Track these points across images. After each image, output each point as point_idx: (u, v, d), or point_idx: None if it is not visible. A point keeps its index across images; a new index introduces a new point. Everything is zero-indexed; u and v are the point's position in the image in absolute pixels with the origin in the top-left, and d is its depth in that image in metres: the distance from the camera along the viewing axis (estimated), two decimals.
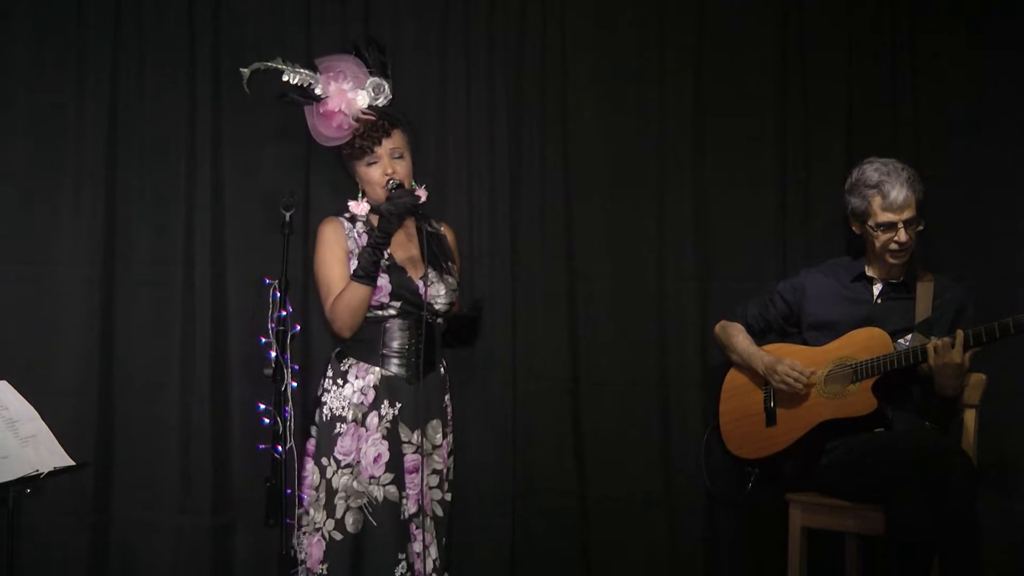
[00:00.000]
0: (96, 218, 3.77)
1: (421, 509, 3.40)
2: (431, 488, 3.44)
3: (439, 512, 3.48)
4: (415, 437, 3.42)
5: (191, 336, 3.78)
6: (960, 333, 3.26)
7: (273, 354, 3.04)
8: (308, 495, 3.38)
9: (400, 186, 3.41)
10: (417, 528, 3.40)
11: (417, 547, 3.39)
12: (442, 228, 3.63)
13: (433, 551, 3.43)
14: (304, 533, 3.35)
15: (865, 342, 3.48)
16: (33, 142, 3.76)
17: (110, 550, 3.76)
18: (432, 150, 3.94)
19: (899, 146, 3.99)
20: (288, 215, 3.18)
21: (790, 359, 3.56)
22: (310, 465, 3.39)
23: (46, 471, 3.11)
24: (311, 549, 3.35)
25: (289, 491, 3.23)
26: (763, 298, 3.76)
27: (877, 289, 3.60)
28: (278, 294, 3.09)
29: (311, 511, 3.38)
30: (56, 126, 3.76)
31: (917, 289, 3.55)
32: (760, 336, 3.74)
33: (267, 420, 3.26)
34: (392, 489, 3.37)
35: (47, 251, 3.76)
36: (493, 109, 3.98)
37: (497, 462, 3.93)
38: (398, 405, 3.41)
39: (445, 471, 3.51)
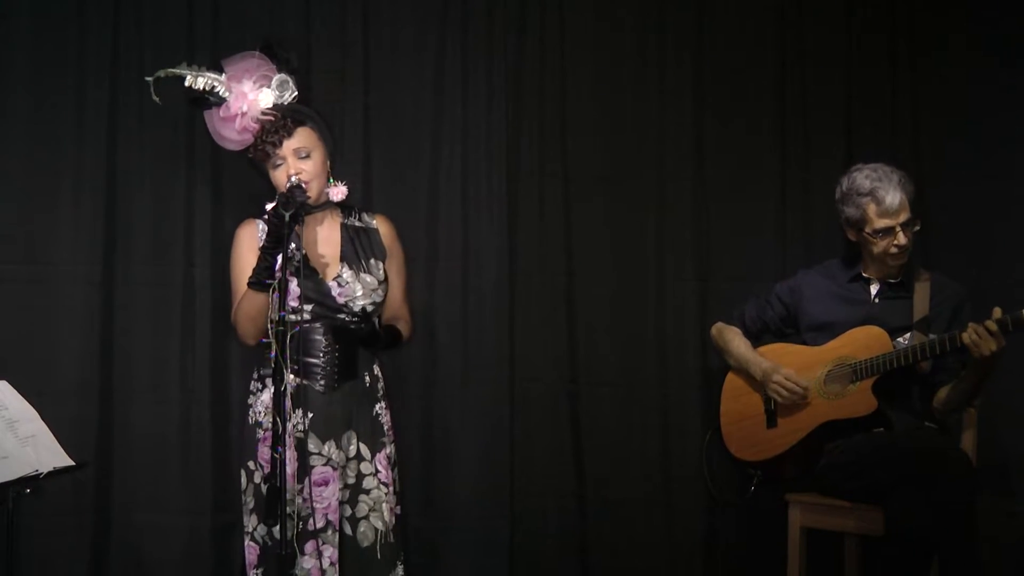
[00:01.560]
0: (96, 218, 3.77)
1: (329, 524, 3.28)
2: (342, 503, 3.31)
3: (347, 528, 3.33)
4: (326, 449, 3.30)
5: (191, 336, 3.78)
6: (998, 311, 3.20)
7: (273, 354, 3.03)
8: (242, 499, 3.34)
9: (298, 186, 3.23)
10: (324, 544, 3.26)
11: (320, 563, 3.24)
12: (374, 221, 3.50)
13: (400, 572, 3.36)
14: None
15: (864, 341, 3.48)
16: (33, 142, 3.76)
17: (110, 550, 3.76)
18: (429, 150, 3.94)
19: (899, 146, 4.00)
20: (287, 215, 3.17)
21: (787, 369, 3.55)
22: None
23: (46, 471, 3.11)
24: (246, 554, 3.31)
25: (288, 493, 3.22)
26: (760, 300, 3.75)
27: (875, 289, 3.60)
28: (278, 294, 3.08)
29: (243, 516, 3.34)
30: (56, 126, 3.77)
31: (915, 288, 3.55)
32: (757, 338, 3.74)
33: (263, 421, 3.27)
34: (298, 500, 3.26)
35: (47, 251, 3.76)
36: (491, 108, 3.97)
37: (496, 463, 3.93)
38: (310, 415, 3.29)
39: (392, 484, 3.40)
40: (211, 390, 3.78)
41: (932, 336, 3.37)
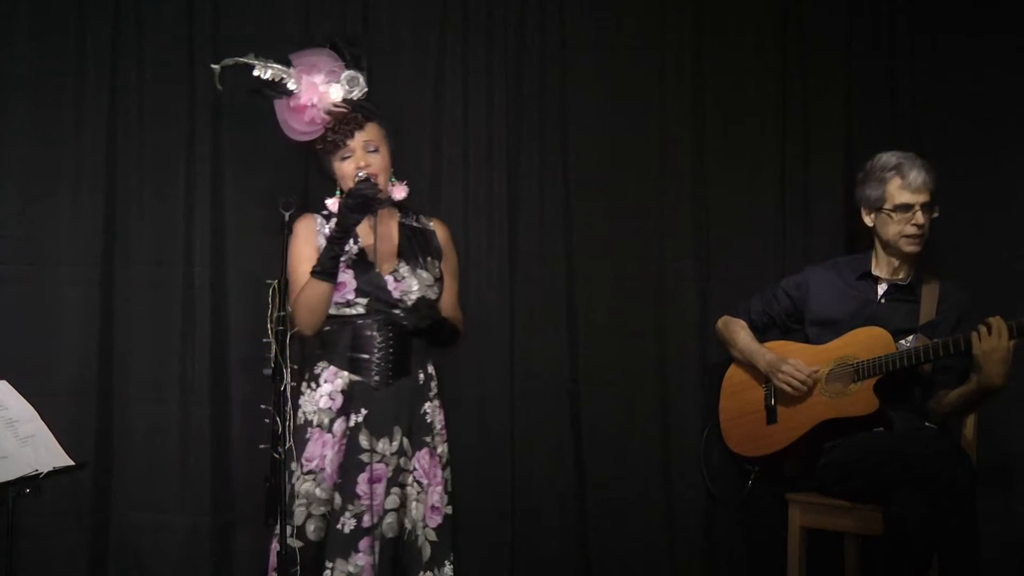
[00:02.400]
0: (96, 218, 3.77)
1: (382, 519, 3.30)
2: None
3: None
4: (380, 446, 3.32)
5: (191, 336, 3.78)
6: (999, 319, 3.22)
7: (273, 354, 3.03)
8: None
9: (367, 179, 3.32)
10: (376, 540, 3.29)
11: (373, 559, 3.26)
12: (431, 224, 3.57)
13: (449, 571, 3.37)
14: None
15: (867, 341, 3.47)
16: (33, 142, 3.76)
17: (110, 550, 3.76)
18: (429, 150, 3.94)
19: (899, 146, 3.98)
20: (287, 215, 3.17)
21: (794, 359, 3.56)
22: None
23: (45, 471, 3.11)
24: (271, 556, 3.31)
25: (299, 495, 3.23)
26: (766, 294, 3.75)
27: (881, 289, 3.60)
28: (278, 294, 3.08)
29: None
30: (56, 126, 3.77)
31: (922, 291, 3.54)
32: (762, 332, 3.74)
33: (268, 420, 3.27)
34: (337, 497, 3.28)
35: (47, 251, 3.76)
36: (491, 108, 3.98)
37: (496, 462, 3.93)
38: (363, 412, 3.32)
39: (442, 484, 3.43)
40: (211, 390, 3.78)
41: (936, 340, 3.37)
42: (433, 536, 3.39)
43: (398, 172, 3.66)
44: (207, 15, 3.83)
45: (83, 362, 3.74)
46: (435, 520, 3.41)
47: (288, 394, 3.13)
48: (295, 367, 3.28)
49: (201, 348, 3.78)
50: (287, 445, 3.10)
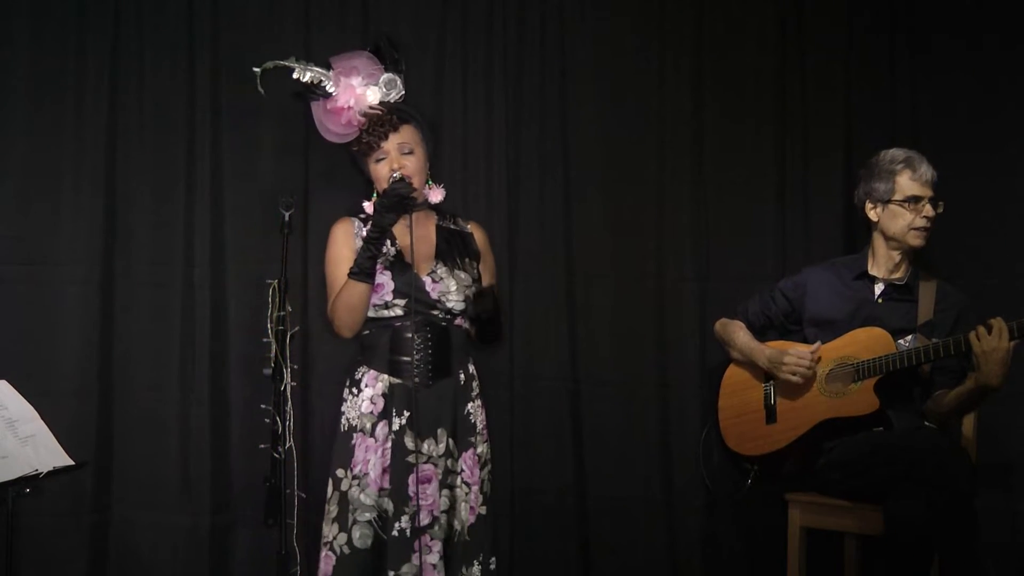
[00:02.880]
0: (96, 218, 3.77)
1: (435, 519, 3.31)
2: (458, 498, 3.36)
3: (455, 524, 3.36)
4: (426, 447, 3.34)
5: (191, 336, 3.78)
6: (1000, 320, 3.22)
7: (273, 354, 3.03)
8: (325, 508, 3.34)
9: (402, 180, 3.33)
10: (432, 540, 3.29)
11: (431, 558, 3.27)
12: (469, 227, 3.59)
13: (477, 571, 3.38)
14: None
15: (867, 342, 3.48)
16: (33, 142, 3.76)
17: (109, 550, 3.76)
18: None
19: (898, 146, 3.99)
20: (287, 215, 3.18)
21: (794, 348, 3.56)
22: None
23: (45, 471, 3.12)
24: (321, 564, 3.31)
25: (288, 491, 3.22)
26: (764, 295, 3.76)
27: (879, 289, 3.60)
28: (278, 294, 3.08)
29: (323, 525, 3.33)
30: (56, 126, 3.77)
31: (920, 291, 3.55)
32: (760, 333, 3.74)
33: (268, 420, 3.27)
34: (387, 502, 3.30)
35: (47, 251, 3.76)
36: (491, 108, 3.98)
37: (496, 462, 3.92)
38: (406, 414, 3.33)
39: (479, 484, 3.43)
40: (211, 390, 3.78)
41: (935, 340, 3.38)
42: (466, 536, 3.40)
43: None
44: (207, 15, 3.83)
45: (83, 362, 3.74)
46: (471, 520, 3.42)
47: (288, 394, 3.14)
48: (295, 367, 3.29)
49: (201, 348, 3.78)
50: (287, 445, 3.10)
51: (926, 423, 3.51)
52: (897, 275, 3.59)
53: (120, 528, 3.77)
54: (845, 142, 4.06)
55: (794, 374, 3.52)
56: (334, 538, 3.31)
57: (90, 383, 3.74)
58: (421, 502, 3.29)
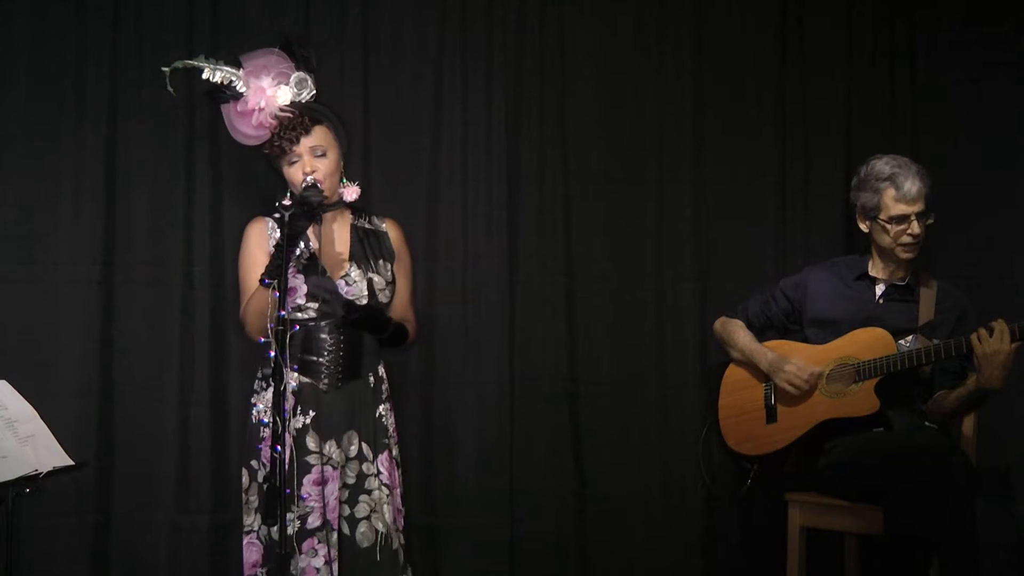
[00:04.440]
0: (96, 218, 3.77)
1: (327, 523, 3.27)
2: (342, 503, 3.31)
3: (345, 529, 3.31)
4: (326, 448, 3.30)
5: (190, 336, 3.78)
6: (1002, 322, 3.22)
7: (272, 354, 3.03)
8: (243, 498, 3.34)
9: (313, 186, 3.25)
10: (320, 543, 3.25)
11: (316, 562, 3.24)
12: (384, 225, 3.53)
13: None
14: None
15: (868, 342, 3.47)
16: (33, 142, 3.76)
17: (110, 550, 3.76)
18: (429, 150, 3.94)
19: (898, 146, 3.98)
20: (287, 215, 3.17)
21: (797, 359, 3.56)
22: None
23: (45, 471, 3.11)
24: (245, 553, 3.32)
25: (288, 491, 3.22)
26: (765, 295, 3.75)
27: (880, 289, 3.60)
28: (277, 294, 3.08)
29: (243, 515, 3.33)
30: (56, 126, 3.77)
31: (920, 292, 3.55)
32: (760, 333, 3.74)
33: (266, 420, 3.27)
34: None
35: (47, 251, 3.76)
36: (491, 108, 3.98)
37: (496, 462, 3.93)
38: (311, 414, 3.31)
39: (400, 486, 3.41)
40: (210, 390, 3.78)
41: (936, 341, 3.37)
42: (402, 540, 3.39)
43: (399, 173, 3.68)
44: (207, 15, 3.83)
45: (83, 362, 3.74)
46: (401, 523, 3.41)
47: (287, 394, 3.14)
48: (295, 367, 3.29)
49: (200, 348, 3.78)
50: (287, 444, 3.10)
51: (926, 423, 3.51)
52: (898, 276, 3.58)
53: (120, 528, 3.76)
54: (845, 142, 4.06)
55: (791, 384, 3.52)
56: (258, 527, 3.31)
57: (90, 383, 3.74)
58: (314, 504, 3.25)
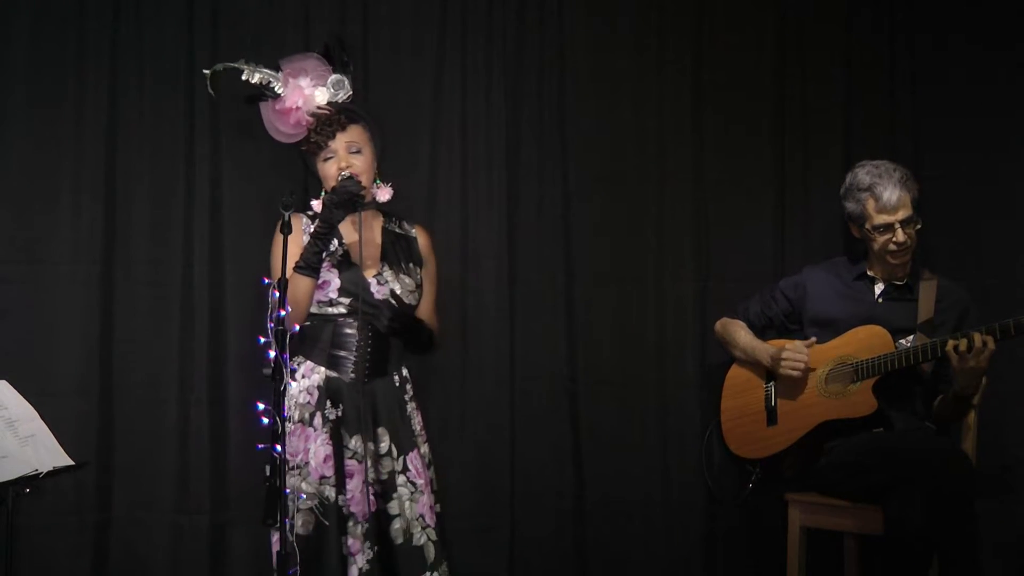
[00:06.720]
0: (96, 218, 3.77)
1: (351, 515, 3.33)
2: (377, 496, 3.35)
3: (382, 524, 3.35)
4: (352, 443, 3.36)
5: (190, 336, 3.78)
6: (979, 335, 3.23)
7: (272, 354, 3.03)
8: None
9: (351, 178, 3.38)
10: (344, 535, 3.31)
11: (341, 552, 3.29)
12: (414, 230, 3.60)
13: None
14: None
15: (866, 341, 3.48)
16: (33, 142, 3.76)
17: (110, 549, 3.76)
18: (429, 150, 3.94)
19: (898, 147, 4.00)
20: (287, 215, 3.17)
21: (791, 342, 3.56)
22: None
23: (45, 471, 3.12)
24: (273, 546, 3.29)
25: (288, 491, 3.22)
26: (765, 295, 3.76)
27: (879, 289, 3.60)
28: (277, 294, 3.08)
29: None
30: (56, 126, 3.77)
31: (920, 290, 3.55)
32: (761, 333, 3.74)
33: (266, 420, 3.26)
34: (328, 490, 3.32)
35: (47, 251, 3.76)
36: (490, 108, 3.98)
37: (495, 462, 3.93)
38: (340, 407, 3.37)
39: (430, 483, 3.44)
40: (210, 389, 3.78)
41: (935, 338, 3.37)
42: (435, 536, 3.40)
43: (396, 171, 3.67)
44: (207, 16, 3.83)
45: (83, 362, 3.74)
46: (434, 519, 3.43)
47: (287, 393, 3.14)
48: (294, 367, 3.30)
49: (200, 348, 3.78)
50: (283, 445, 3.10)
51: (926, 423, 3.51)
52: (897, 275, 3.58)
53: (119, 527, 3.76)
54: (845, 142, 4.07)
55: (794, 368, 3.52)
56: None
57: (90, 383, 3.74)
58: (343, 497, 3.33)
